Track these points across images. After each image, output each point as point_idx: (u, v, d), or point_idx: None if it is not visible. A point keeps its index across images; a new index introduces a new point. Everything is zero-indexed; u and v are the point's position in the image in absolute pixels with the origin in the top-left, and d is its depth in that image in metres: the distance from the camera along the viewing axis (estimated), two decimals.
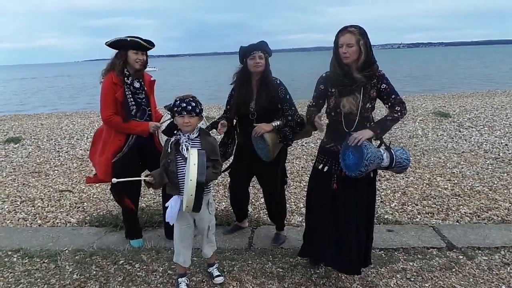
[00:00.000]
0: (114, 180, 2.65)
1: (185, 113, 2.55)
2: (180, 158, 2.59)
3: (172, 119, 2.69)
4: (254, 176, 3.49)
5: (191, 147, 2.56)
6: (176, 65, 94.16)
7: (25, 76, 58.46)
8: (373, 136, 2.54)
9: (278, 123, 3.11)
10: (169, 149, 2.63)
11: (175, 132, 2.66)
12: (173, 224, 2.72)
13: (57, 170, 5.93)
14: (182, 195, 2.56)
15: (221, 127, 3.14)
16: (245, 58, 3.11)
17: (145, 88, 3.29)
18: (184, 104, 2.55)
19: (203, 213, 2.63)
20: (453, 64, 42.39)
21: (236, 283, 2.84)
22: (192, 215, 2.65)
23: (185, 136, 2.61)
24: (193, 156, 2.34)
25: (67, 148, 7.22)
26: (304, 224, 3.25)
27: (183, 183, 2.56)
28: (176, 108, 2.57)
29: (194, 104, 2.57)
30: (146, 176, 2.67)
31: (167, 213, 2.64)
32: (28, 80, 47.87)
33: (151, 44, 3.22)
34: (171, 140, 2.64)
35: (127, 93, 3.16)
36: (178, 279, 2.78)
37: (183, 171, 2.58)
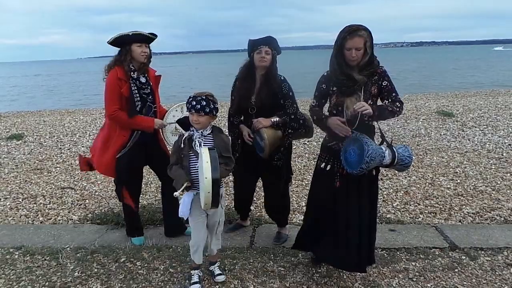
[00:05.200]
0: (176, 194, 2.48)
1: (193, 111, 2.58)
2: (192, 154, 2.60)
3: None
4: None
5: (204, 144, 2.58)
6: (180, 62, 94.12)
7: (28, 73, 58.58)
8: (369, 113, 2.45)
9: (277, 119, 3.10)
10: (182, 144, 2.64)
11: (190, 128, 2.67)
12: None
13: (59, 167, 5.94)
14: (196, 190, 2.57)
15: (248, 136, 3.17)
16: (253, 52, 3.09)
17: (151, 84, 3.27)
18: (194, 103, 2.58)
19: None
20: (455, 64, 42.37)
21: (238, 282, 2.84)
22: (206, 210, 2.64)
23: (198, 132, 2.62)
24: (205, 155, 2.35)
25: (69, 145, 7.23)
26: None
27: (196, 178, 2.57)
28: (188, 105, 2.61)
29: (204, 103, 2.57)
30: (183, 184, 2.53)
31: (180, 209, 2.60)
32: (31, 77, 47.95)
33: (153, 35, 3.20)
34: (185, 136, 2.66)
35: (132, 88, 3.14)
36: (191, 271, 2.80)
37: (195, 167, 2.58)
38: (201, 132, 2.63)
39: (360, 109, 2.42)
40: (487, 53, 78.78)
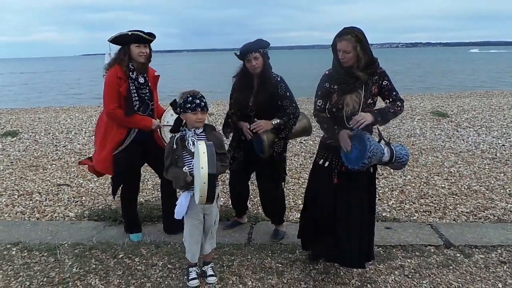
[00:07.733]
0: (185, 169, 2.52)
1: (199, 109, 2.57)
2: (187, 154, 2.59)
3: (177, 116, 2.68)
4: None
5: (197, 141, 2.57)
6: (176, 61, 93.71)
7: (22, 70, 58.06)
8: (372, 121, 2.53)
9: (278, 121, 3.13)
10: (174, 145, 2.62)
11: (181, 129, 2.66)
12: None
13: (55, 164, 5.92)
14: (191, 190, 2.57)
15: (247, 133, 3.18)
16: (243, 61, 3.13)
17: (149, 84, 3.28)
18: (198, 101, 2.58)
19: (213, 207, 2.65)
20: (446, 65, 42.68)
21: (236, 278, 2.86)
22: (203, 210, 2.66)
23: (191, 131, 2.62)
24: (201, 146, 2.34)
25: (65, 142, 7.20)
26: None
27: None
28: (189, 105, 2.57)
29: (204, 100, 2.60)
30: (185, 179, 2.54)
31: (176, 210, 2.61)
32: (25, 74, 47.53)
33: (152, 36, 3.19)
34: (176, 136, 2.64)
35: (131, 87, 3.15)
36: (189, 268, 2.81)
37: (190, 167, 2.57)
38: (194, 130, 2.62)
39: (359, 122, 2.48)
40: (464, 55, 79.47)
